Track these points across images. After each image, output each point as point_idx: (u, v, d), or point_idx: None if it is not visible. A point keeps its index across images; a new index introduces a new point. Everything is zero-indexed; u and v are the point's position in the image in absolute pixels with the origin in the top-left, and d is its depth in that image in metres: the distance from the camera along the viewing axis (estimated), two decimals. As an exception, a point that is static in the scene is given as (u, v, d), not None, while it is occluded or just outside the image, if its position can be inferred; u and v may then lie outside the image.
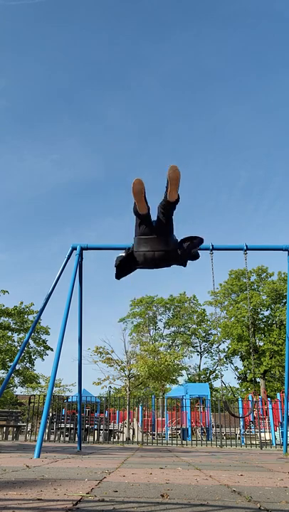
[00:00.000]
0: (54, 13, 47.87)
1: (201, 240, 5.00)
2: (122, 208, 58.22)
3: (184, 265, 5.23)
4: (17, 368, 25.66)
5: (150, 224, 4.80)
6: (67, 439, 12.58)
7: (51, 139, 53.33)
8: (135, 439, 14.26)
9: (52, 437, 12.86)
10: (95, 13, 49.71)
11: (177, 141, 52.90)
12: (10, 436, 13.02)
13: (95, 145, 55.24)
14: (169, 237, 4.90)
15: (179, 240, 4.99)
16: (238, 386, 37.32)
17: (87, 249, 7.67)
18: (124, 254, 5.14)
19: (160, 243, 4.83)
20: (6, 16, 45.95)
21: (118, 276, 5.31)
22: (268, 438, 15.42)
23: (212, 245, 7.43)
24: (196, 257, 5.16)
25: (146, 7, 49.81)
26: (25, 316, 23.91)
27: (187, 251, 4.97)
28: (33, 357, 26.61)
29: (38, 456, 5.33)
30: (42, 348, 26.22)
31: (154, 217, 4.87)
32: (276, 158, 52.47)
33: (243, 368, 35.45)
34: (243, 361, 35.50)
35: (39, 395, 14.03)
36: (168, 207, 4.65)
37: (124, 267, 5.19)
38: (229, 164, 53.71)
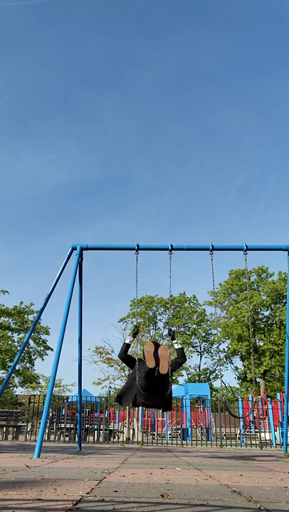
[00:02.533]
0: (50, 14, 47.82)
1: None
2: (119, 209, 58.26)
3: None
4: (17, 368, 25.66)
5: (152, 376, 5.75)
6: (67, 439, 12.58)
7: (48, 140, 53.32)
8: (135, 439, 14.26)
9: (52, 437, 12.86)
10: (90, 13, 49.70)
11: (173, 141, 52.94)
12: (10, 436, 13.02)
13: (91, 145, 55.26)
14: (169, 391, 5.98)
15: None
16: (238, 386, 37.33)
17: (87, 249, 7.67)
18: (128, 342, 6.43)
19: (157, 399, 5.97)
20: (2, 17, 45.93)
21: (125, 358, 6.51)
22: (267, 438, 15.42)
23: (212, 245, 7.43)
24: (183, 362, 6.42)
25: (142, 7, 49.82)
26: (25, 316, 23.93)
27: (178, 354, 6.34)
28: (33, 357, 26.62)
29: (38, 456, 5.33)
30: (42, 348, 26.23)
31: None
32: (272, 159, 52.53)
33: (243, 367, 35.44)
34: (243, 361, 35.49)
35: (39, 395, 14.03)
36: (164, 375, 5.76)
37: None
38: (225, 164, 53.73)
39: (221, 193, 53.99)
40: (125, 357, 6.35)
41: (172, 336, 6.52)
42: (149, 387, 5.75)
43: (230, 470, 4.08)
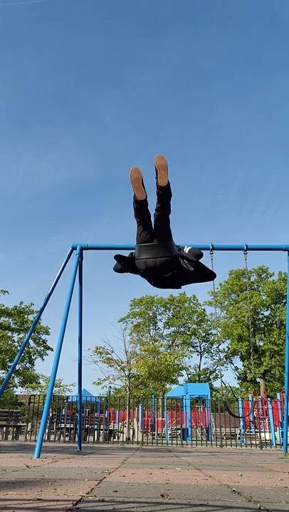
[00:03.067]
0: (50, 14, 47.88)
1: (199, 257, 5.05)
2: (119, 208, 58.30)
3: (194, 271, 5.08)
4: (17, 368, 25.66)
5: (149, 220, 4.79)
6: (67, 439, 12.58)
7: (48, 140, 53.37)
8: (135, 439, 14.26)
9: (52, 437, 12.86)
10: (90, 13, 49.74)
11: (173, 141, 52.95)
12: (10, 436, 13.02)
13: (91, 145, 55.32)
14: (169, 242, 4.91)
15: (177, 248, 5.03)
16: (238, 386, 37.33)
17: (87, 249, 7.67)
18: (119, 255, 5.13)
19: (160, 249, 4.84)
20: (2, 17, 45.95)
21: (116, 269, 5.22)
22: (267, 438, 15.42)
23: (212, 245, 7.43)
24: (200, 255, 5.09)
25: (142, 7, 49.87)
26: (25, 316, 23.92)
27: (189, 256, 4.99)
28: (33, 357, 26.62)
29: (38, 456, 5.33)
30: (42, 348, 26.23)
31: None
32: (272, 159, 52.56)
33: (243, 367, 35.45)
34: (243, 361, 35.50)
35: (39, 395, 14.03)
36: (161, 195, 4.70)
37: (125, 261, 5.11)
38: (225, 164, 53.77)
39: (221, 193, 54.04)
40: (119, 267, 5.15)
41: (179, 248, 5.08)
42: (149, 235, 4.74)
43: (230, 470, 4.08)
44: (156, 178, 4.60)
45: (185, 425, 16.71)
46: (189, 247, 5.16)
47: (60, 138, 54.64)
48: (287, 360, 7.89)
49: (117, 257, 5.16)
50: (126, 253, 5.28)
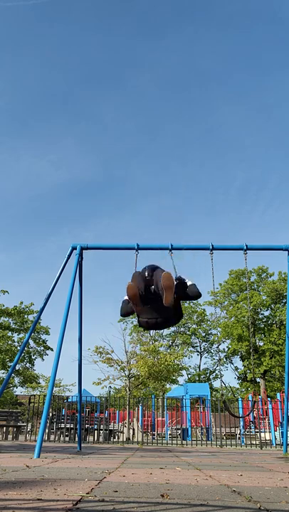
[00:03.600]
0: (50, 14, 47.85)
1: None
2: (119, 208, 58.31)
3: (176, 316, 5.50)
4: (17, 368, 25.66)
5: (149, 300, 5.15)
6: (67, 439, 12.58)
7: (48, 140, 53.36)
8: (135, 439, 14.26)
9: (52, 437, 12.86)
10: (90, 13, 49.73)
11: (173, 141, 52.96)
12: (10, 436, 13.02)
13: (91, 145, 55.30)
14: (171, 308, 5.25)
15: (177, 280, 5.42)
16: (238, 386, 37.33)
17: (87, 248, 7.67)
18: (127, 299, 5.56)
19: (162, 311, 5.18)
20: (2, 17, 45.94)
21: (125, 313, 5.73)
22: (267, 438, 15.42)
23: (212, 245, 7.42)
24: (198, 296, 5.54)
25: (142, 7, 49.86)
26: (25, 316, 23.92)
27: (189, 292, 5.43)
28: (33, 357, 26.61)
29: (38, 456, 5.33)
30: (42, 348, 26.22)
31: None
32: (272, 159, 52.56)
33: (243, 367, 35.45)
34: (243, 361, 35.50)
35: (39, 395, 14.03)
36: (169, 313, 5.19)
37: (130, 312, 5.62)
38: (225, 164, 53.77)
39: (221, 193, 54.03)
40: (126, 312, 5.60)
41: (180, 280, 5.47)
42: (148, 304, 5.06)
43: (230, 470, 4.08)
44: (162, 295, 4.92)
45: (185, 425, 16.71)
46: (193, 283, 5.53)
47: (60, 138, 54.66)
48: (287, 360, 7.89)
49: (125, 315, 5.73)
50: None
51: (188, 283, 5.44)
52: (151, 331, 40.20)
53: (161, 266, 5.59)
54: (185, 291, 5.37)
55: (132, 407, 18.28)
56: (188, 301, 40.71)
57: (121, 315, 5.73)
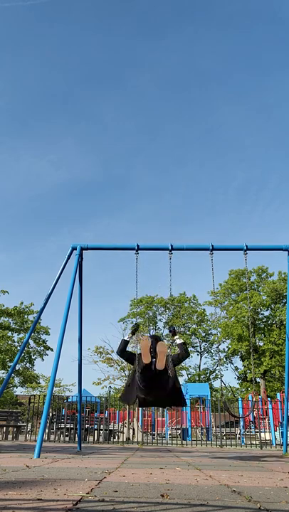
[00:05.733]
0: (50, 14, 47.88)
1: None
2: (119, 209, 58.31)
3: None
4: (17, 368, 25.66)
5: (150, 372, 5.62)
6: (67, 439, 12.58)
7: (48, 140, 53.39)
8: (135, 439, 14.25)
9: (52, 437, 12.86)
10: (90, 13, 49.74)
11: (173, 141, 52.97)
12: (10, 436, 13.02)
13: (91, 145, 55.33)
14: (168, 387, 5.77)
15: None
16: (238, 386, 37.33)
17: (87, 249, 7.67)
18: (127, 339, 6.33)
19: (159, 394, 5.79)
20: (2, 17, 45.94)
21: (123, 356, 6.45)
22: (267, 438, 15.41)
23: (212, 245, 7.43)
24: (186, 356, 6.24)
25: (142, 7, 49.88)
26: (25, 316, 23.94)
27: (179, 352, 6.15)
28: (33, 357, 26.62)
29: (38, 456, 5.33)
30: (42, 348, 26.23)
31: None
32: (272, 159, 52.58)
33: (243, 367, 35.45)
34: (243, 361, 35.50)
35: (39, 395, 14.03)
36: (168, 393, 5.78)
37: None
38: (225, 164, 53.79)
39: (221, 193, 54.05)
40: (123, 354, 6.29)
41: (173, 332, 6.38)
42: (149, 383, 5.65)
43: (230, 470, 4.08)
44: (156, 359, 5.50)
45: (185, 425, 16.71)
46: (180, 342, 6.25)
47: (60, 138, 54.68)
48: (287, 360, 7.89)
49: (121, 354, 6.37)
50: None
51: (178, 341, 6.23)
52: (151, 330, 40.26)
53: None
54: (176, 358, 6.11)
55: (132, 407, 18.26)
56: (188, 302, 40.73)
57: (117, 352, 6.34)
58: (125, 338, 6.34)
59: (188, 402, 17.99)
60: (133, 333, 6.56)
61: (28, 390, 29.66)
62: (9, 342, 23.82)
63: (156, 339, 6.05)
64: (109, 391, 21.63)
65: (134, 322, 6.56)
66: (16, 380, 28.90)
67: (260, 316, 34.98)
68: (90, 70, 53.30)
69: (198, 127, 53.24)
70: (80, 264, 7.53)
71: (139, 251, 7.33)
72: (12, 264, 57.50)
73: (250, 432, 16.93)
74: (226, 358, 37.47)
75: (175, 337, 6.33)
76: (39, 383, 29.54)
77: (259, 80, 50.64)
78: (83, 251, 7.63)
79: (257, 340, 33.61)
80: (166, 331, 41.29)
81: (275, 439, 14.70)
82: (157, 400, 6.02)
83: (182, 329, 40.82)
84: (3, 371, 23.93)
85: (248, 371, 34.23)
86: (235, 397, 32.84)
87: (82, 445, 9.11)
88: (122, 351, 6.24)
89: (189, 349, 39.43)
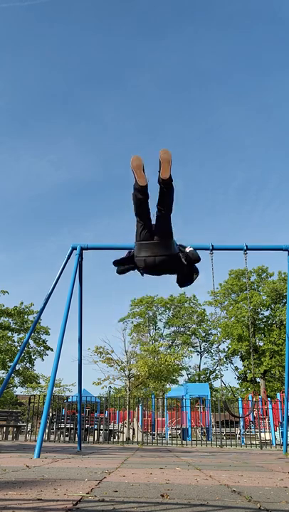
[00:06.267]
0: (50, 14, 47.88)
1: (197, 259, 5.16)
2: (119, 208, 58.29)
3: (190, 274, 5.23)
4: (17, 368, 25.65)
5: (149, 217, 4.84)
6: (67, 439, 12.58)
7: (48, 140, 53.41)
8: (135, 439, 14.25)
9: (52, 437, 12.85)
10: (90, 13, 49.75)
11: (173, 141, 52.96)
12: (10, 436, 13.02)
13: (91, 145, 55.35)
14: (170, 241, 4.93)
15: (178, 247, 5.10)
16: (238, 386, 37.33)
17: (87, 249, 7.67)
18: (125, 256, 5.24)
19: (161, 247, 4.83)
20: (2, 18, 45.95)
21: (119, 271, 5.37)
22: (267, 438, 15.41)
23: (212, 245, 7.42)
24: (197, 259, 5.18)
25: (142, 7, 49.89)
26: (25, 316, 23.93)
27: (189, 254, 5.07)
28: (33, 357, 26.60)
29: (38, 456, 5.33)
30: (42, 348, 26.22)
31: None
32: (272, 159, 52.60)
33: (243, 367, 35.45)
34: (243, 361, 35.50)
35: (39, 395, 14.03)
36: (163, 190, 4.75)
37: (124, 263, 5.25)
38: (225, 164, 53.81)
39: (221, 192, 54.07)
40: (123, 269, 5.30)
41: (181, 246, 5.19)
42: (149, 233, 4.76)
43: (230, 470, 4.08)
44: (159, 171, 4.63)
45: (185, 425, 16.71)
46: (191, 248, 5.23)
47: (60, 138, 54.69)
48: (287, 360, 7.89)
49: (116, 263, 5.28)
50: (124, 253, 5.34)
51: (188, 249, 5.17)
52: (151, 330, 40.26)
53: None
54: (186, 256, 5.05)
55: (132, 407, 18.27)
56: (188, 302, 40.73)
57: (117, 271, 5.31)
58: (124, 256, 5.28)
59: (188, 402, 18.02)
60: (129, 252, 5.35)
61: (28, 390, 29.63)
62: (9, 342, 23.81)
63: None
64: (109, 391, 21.65)
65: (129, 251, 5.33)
66: (16, 380, 28.88)
67: (260, 316, 34.98)
68: (90, 70, 53.34)
69: (198, 127, 53.29)
70: (80, 264, 7.53)
71: (139, 251, 7.30)
72: (12, 264, 57.54)
73: (250, 432, 16.93)
74: (226, 358, 37.48)
75: (186, 248, 5.19)
76: (39, 383, 29.51)
77: (259, 79, 50.67)
78: (83, 251, 7.63)
79: (257, 340, 33.61)
80: (166, 331, 41.34)
81: (275, 439, 14.70)
82: (159, 260, 4.84)
83: (182, 329, 40.85)
84: (3, 371, 23.92)
85: (248, 371, 34.23)
86: (235, 397, 32.84)
87: (82, 445, 9.11)
88: (120, 262, 5.27)
89: (189, 349, 39.48)
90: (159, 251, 4.83)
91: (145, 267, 4.93)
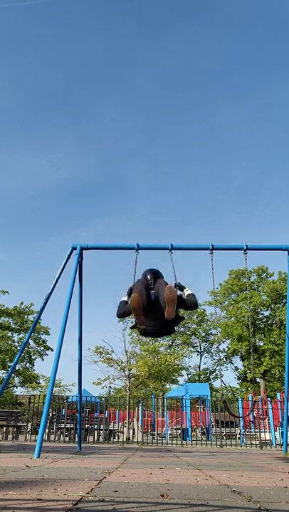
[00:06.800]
0: (50, 14, 47.89)
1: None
2: (119, 208, 58.31)
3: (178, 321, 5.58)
4: (17, 368, 25.65)
5: (149, 310, 5.16)
6: (67, 439, 12.57)
7: (48, 140, 53.43)
8: (135, 439, 14.25)
9: (52, 437, 12.85)
10: (90, 13, 49.75)
11: (173, 141, 52.97)
12: (10, 436, 13.01)
13: (91, 145, 55.37)
14: (173, 324, 5.41)
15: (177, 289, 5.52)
16: (238, 386, 37.34)
17: (87, 249, 7.66)
18: (126, 300, 5.60)
19: (162, 319, 5.15)
20: (2, 18, 45.95)
21: (119, 316, 5.81)
22: (267, 438, 15.41)
23: (212, 245, 7.42)
24: (195, 307, 5.73)
25: (142, 7, 49.91)
26: (25, 316, 23.93)
27: (187, 301, 5.51)
28: (33, 357, 26.60)
29: (38, 456, 5.33)
30: (42, 348, 26.21)
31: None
32: (272, 159, 52.61)
33: (243, 367, 35.45)
34: (243, 361, 35.50)
35: (39, 395, 14.03)
36: (169, 321, 5.16)
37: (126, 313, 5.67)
38: (225, 164, 53.83)
39: (221, 193, 54.08)
40: (123, 315, 5.78)
41: (180, 287, 5.69)
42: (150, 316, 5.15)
43: (230, 470, 4.08)
44: (165, 309, 4.93)
45: (185, 425, 16.71)
46: (190, 292, 5.64)
47: (60, 138, 54.70)
48: (287, 360, 7.89)
49: (121, 315, 5.77)
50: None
51: (187, 292, 5.58)
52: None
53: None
54: (183, 301, 5.47)
55: (132, 407, 18.27)
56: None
57: (117, 315, 5.72)
58: (124, 299, 5.72)
59: (188, 402, 18.02)
60: (129, 294, 5.73)
61: (28, 390, 29.62)
62: (9, 342, 23.81)
63: (154, 275, 5.45)
64: (109, 391, 21.65)
65: (130, 287, 5.70)
66: (16, 380, 28.87)
67: (260, 316, 34.98)
68: (90, 70, 53.35)
69: (198, 127, 53.30)
70: (80, 264, 7.53)
71: (139, 251, 7.32)
72: (12, 264, 57.56)
73: (250, 432, 16.92)
74: (226, 358, 37.48)
75: (184, 290, 5.68)
76: (39, 383, 29.51)
77: (259, 79, 50.69)
78: (83, 251, 7.62)
79: (257, 340, 33.61)
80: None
81: (275, 439, 14.70)
82: (157, 324, 5.31)
83: (182, 329, 40.83)
84: (3, 371, 23.92)
85: (248, 371, 34.23)
86: (235, 397, 32.84)
87: (82, 445, 9.11)
88: (122, 315, 5.71)
89: (189, 349, 39.49)
90: (161, 323, 5.21)
91: (145, 334, 5.54)
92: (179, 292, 5.47)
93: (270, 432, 15.72)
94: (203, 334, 41.08)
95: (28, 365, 27.15)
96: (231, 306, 36.25)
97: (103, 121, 53.53)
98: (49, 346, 25.81)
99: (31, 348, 26.17)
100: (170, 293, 4.81)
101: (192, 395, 20.40)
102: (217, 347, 38.92)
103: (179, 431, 17.01)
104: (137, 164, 55.56)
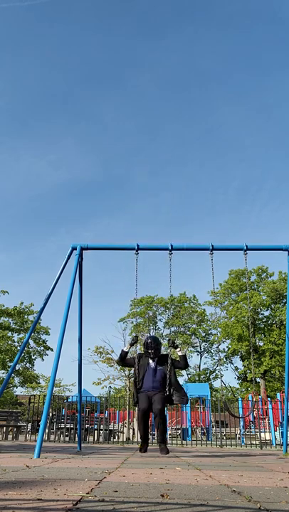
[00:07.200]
0: (50, 14, 47.93)
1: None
2: (119, 209, 58.32)
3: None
4: (17, 368, 25.66)
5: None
6: (67, 439, 12.58)
7: (48, 140, 53.49)
8: (135, 439, 14.26)
9: (52, 437, 12.85)
10: (90, 13, 49.78)
11: (173, 141, 52.98)
12: (10, 436, 13.01)
13: (91, 145, 55.43)
14: (171, 388, 6.09)
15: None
16: (238, 386, 37.35)
17: (87, 249, 7.66)
18: (126, 351, 6.59)
19: (162, 393, 5.99)
20: (2, 18, 45.94)
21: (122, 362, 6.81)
22: (267, 438, 15.41)
23: (212, 245, 7.42)
24: (185, 367, 6.53)
25: (142, 7, 49.95)
26: (25, 316, 23.96)
27: (175, 363, 6.35)
28: (33, 357, 26.62)
29: (38, 456, 5.33)
30: (42, 348, 26.24)
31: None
32: (272, 159, 52.63)
33: (243, 367, 35.45)
34: (243, 361, 35.50)
35: (39, 395, 14.03)
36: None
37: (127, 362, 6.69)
38: (225, 164, 53.85)
39: (221, 193, 54.12)
40: (124, 363, 6.63)
41: (173, 345, 6.45)
42: (149, 385, 6.06)
43: (230, 470, 4.08)
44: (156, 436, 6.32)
45: (185, 425, 16.71)
46: (183, 352, 6.46)
47: (60, 138, 54.74)
48: (287, 360, 7.89)
49: (123, 365, 6.89)
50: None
51: (179, 353, 6.35)
52: (151, 330, 40.24)
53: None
54: (173, 362, 6.26)
55: (132, 407, 18.25)
56: (188, 302, 40.75)
57: (117, 362, 6.79)
58: (124, 349, 6.58)
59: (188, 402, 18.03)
60: (132, 344, 6.66)
61: (28, 390, 29.66)
62: (9, 342, 23.82)
63: (155, 342, 6.34)
64: (109, 391, 21.66)
65: (135, 335, 6.92)
66: (16, 380, 28.90)
67: (260, 316, 34.99)
68: (90, 70, 53.38)
69: (198, 127, 53.33)
70: (80, 264, 7.53)
71: (139, 251, 7.33)
72: (12, 264, 57.60)
73: (250, 432, 16.92)
74: (226, 358, 37.49)
75: (177, 350, 6.47)
76: (39, 383, 29.55)
77: (259, 79, 50.73)
78: (83, 251, 7.62)
79: (257, 340, 33.61)
80: (166, 331, 41.33)
81: (275, 439, 14.71)
82: (161, 398, 6.08)
83: (182, 329, 40.81)
84: (3, 371, 23.93)
85: (248, 371, 34.23)
86: (235, 397, 32.84)
87: (82, 445, 9.11)
88: (123, 360, 6.60)
89: (189, 349, 39.49)
90: (160, 393, 5.97)
91: (144, 392, 6.16)
92: (172, 355, 6.46)
93: (270, 432, 15.73)
94: (203, 334, 41.08)
95: (28, 365, 27.18)
96: (231, 306, 36.25)
97: (103, 121, 53.59)
98: (49, 346, 25.85)
99: (31, 348, 26.19)
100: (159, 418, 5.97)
101: (192, 395, 20.39)
102: (217, 347, 38.93)
103: (179, 431, 17.01)
104: (136, 164, 55.57)
